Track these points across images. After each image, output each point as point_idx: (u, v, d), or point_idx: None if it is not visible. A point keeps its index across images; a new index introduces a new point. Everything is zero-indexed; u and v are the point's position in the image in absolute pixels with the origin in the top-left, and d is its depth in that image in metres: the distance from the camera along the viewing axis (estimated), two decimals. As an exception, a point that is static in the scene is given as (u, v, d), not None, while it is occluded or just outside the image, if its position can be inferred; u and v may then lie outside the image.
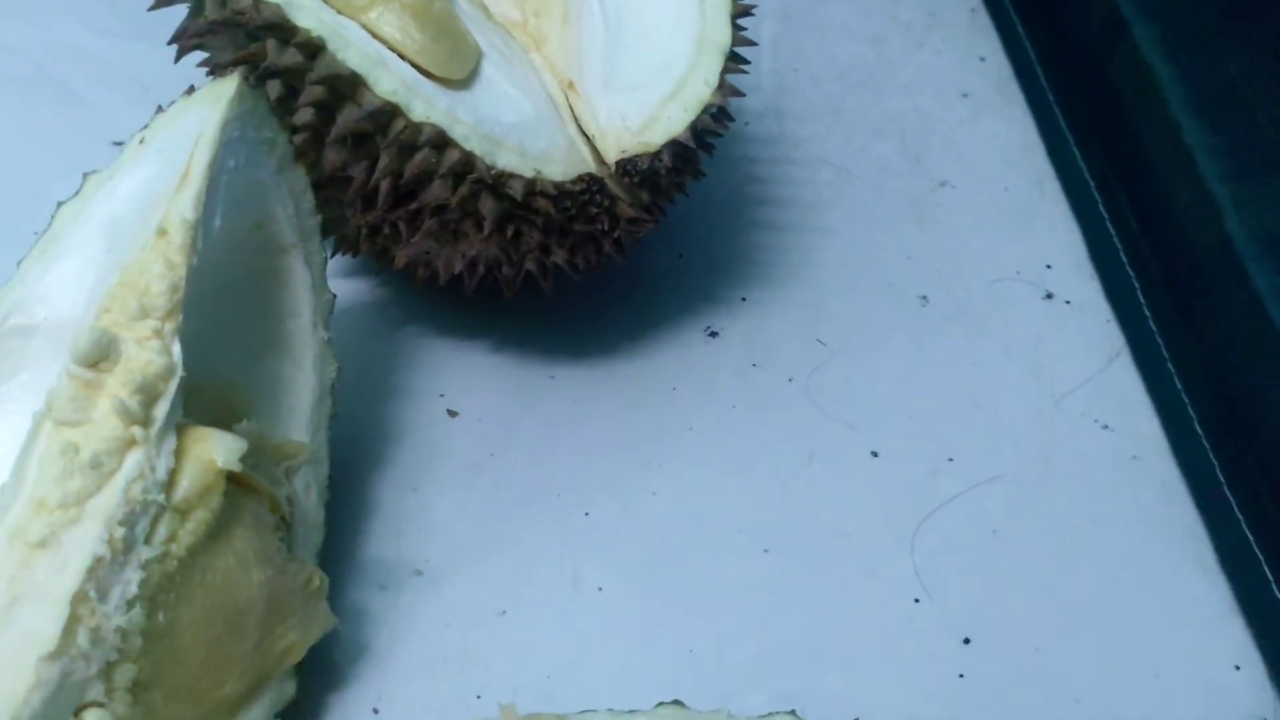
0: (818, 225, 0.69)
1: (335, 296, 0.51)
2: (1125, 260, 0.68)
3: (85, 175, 0.46)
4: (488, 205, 0.49)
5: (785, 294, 0.65)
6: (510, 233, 0.50)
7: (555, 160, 0.50)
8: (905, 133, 0.75)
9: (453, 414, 0.58)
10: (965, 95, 0.78)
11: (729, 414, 0.60)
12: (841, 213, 0.70)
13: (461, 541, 0.53)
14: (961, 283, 0.67)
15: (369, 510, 0.54)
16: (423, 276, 0.55)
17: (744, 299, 0.65)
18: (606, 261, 0.56)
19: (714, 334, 0.63)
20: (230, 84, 0.43)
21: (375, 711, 0.48)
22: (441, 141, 0.47)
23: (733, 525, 0.55)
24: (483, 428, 0.57)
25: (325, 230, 0.53)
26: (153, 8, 0.53)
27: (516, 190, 0.48)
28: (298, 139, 0.48)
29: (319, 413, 0.49)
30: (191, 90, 0.45)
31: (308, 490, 0.47)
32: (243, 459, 0.41)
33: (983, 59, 0.81)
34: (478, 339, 0.61)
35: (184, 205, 0.41)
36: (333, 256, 0.57)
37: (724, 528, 0.55)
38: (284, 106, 0.48)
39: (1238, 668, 0.53)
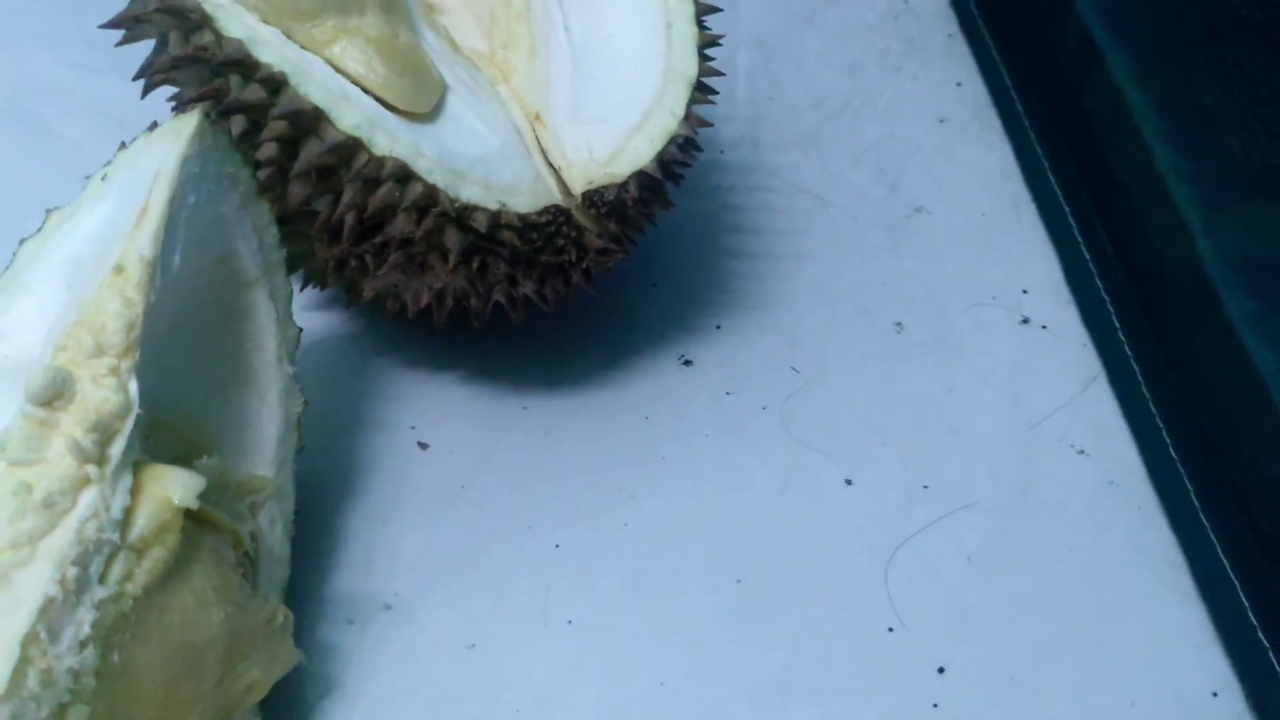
0: (793, 253, 0.69)
1: (301, 331, 0.50)
2: (1101, 285, 0.68)
3: (48, 211, 0.46)
4: (452, 238, 0.48)
5: (760, 321, 0.65)
6: (476, 265, 0.50)
7: (521, 192, 0.50)
8: (881, 159, 0.75)
9: (424, 446, 0.57)
10: (942, 121, 0.78)
11: (703, 442, 0.60)
12: (817, 240, 0.70)
13: (431, 575, 0.53)
14: (937, 309, 0.67)
15: (338, 544, 0.53)
16: (392, 309, 0.54)
17: (718, 327, 0.65)
18: (577, 292, 0.56)
19: (688, 362, 0.63)
20: (191, 120, 0.43)
21: (342, 749, 0.47)
22: (404, 175, 0.47)
23: (705, 555, 0.55)
24: (454, 460, 0.57)
25: (294, 263, 0.53)
26: (120, 43, 0.53)
27: (481, 222, 0.48)
28: (262, 174, 0.48)
29: (284, 448, 0.48)
30: (154, 126, 0.45)
31: (273, 525, 0.47)
32: (204, 495, 0.41)
33: (959, 85, 0.81)
34: (449, 370, 0.61)
35: (142, 242, 0.40)
36: (303, 289, 0.57)
37: (696, 558, 0.55)
38: (248, 141, 0.48)
39: (1215, 694, 0.52)
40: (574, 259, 0.52)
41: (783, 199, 0.72)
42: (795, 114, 0.77)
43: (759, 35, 0.82)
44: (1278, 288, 0.58)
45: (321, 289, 0.57)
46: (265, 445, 0.47)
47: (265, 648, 0.43)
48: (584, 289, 0.56)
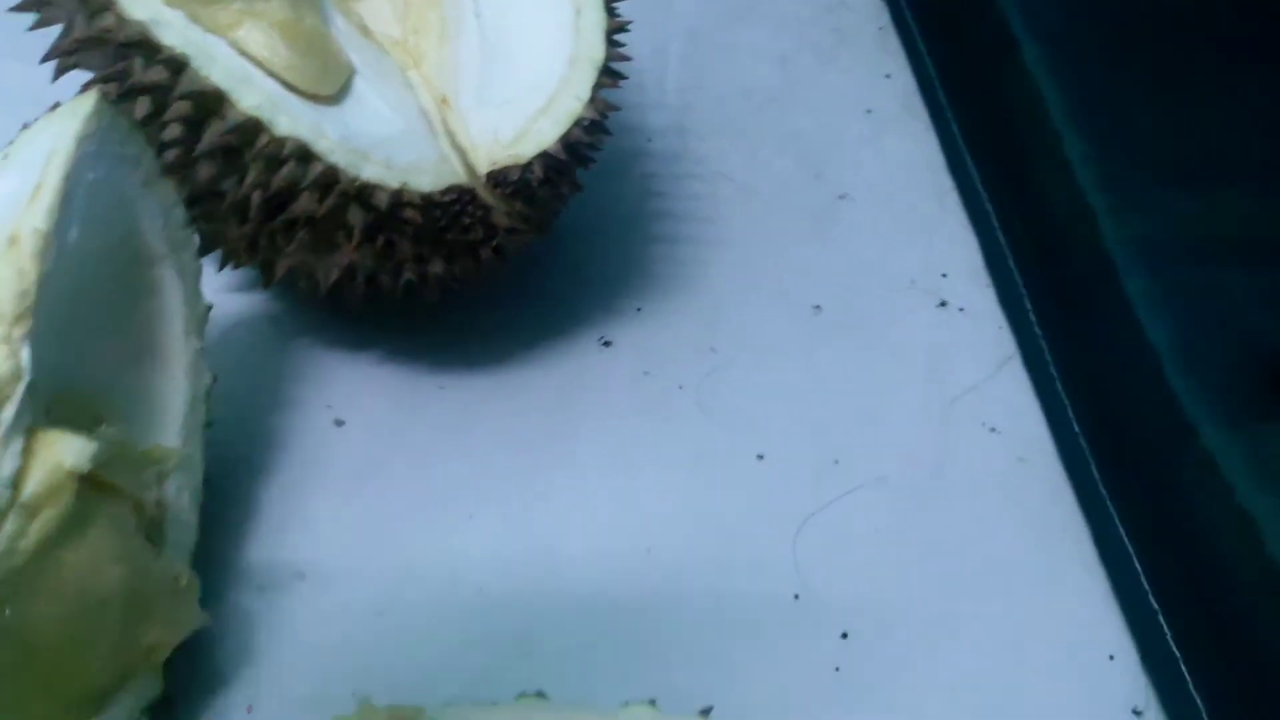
0: (715, 238, 0.70)
1: (211, 306, 0.52)
2: (1015, 269, 0.70)
3: (-49, 194, 0.47)
4: (355, 215, 0.50)
5: (680, 304, 0.67)
6: (381, 242, 0.51)
7: (424, 172, 0.51)
8: (808, 149, 0.77)
9: (340, 424, 0.59)
10: (869, 112, 0.80)
11: (619, 421, 0.61)
12: (740, 226, 0.71)
13: (344, 546, 0.54)
14: (856, 293, 0.68)
15: (251, 516, 0.55)
16: (305, 288, 0.56)
17: (639, 309, 0.66)
18: (489, 272, 0.57)
19: (607, 343, 0.64)
20: (88, 100, 0.44)
21: (249, 710, 0.49)
22: (305, 155, 0.48)
23: (616, 527, 0.56)
24: (369, 437, 0.58)
25: (210, 243, 0.55)
26: (33, 26, 0.54)
27: (382, 201, 0.50)
28: (169, 155, 0.49)
29: (192, 420, 0.50)
30: (55, 107, 0.46)
31: (180, 494, 0.48)
32: (105, 464, 0.42)
33: (888, 76, 0.82)
34: (367, 350, 0.62)
35: (36, 215, 0.42)
36: (221, 269, 0.58)
37: (607, 529, 0.56)
38: (154, 122, 0.49)
39: (1112, 657, 0.54)
40: (481, 238, 0.53)
41: (708, 186, 0.73)
42: (724, 104, 0.79)
43: (692, 26, 0.84)
44: (1174, 267, 0.59)
45: (237, 268, 0.59)
46: (172, 417, 0.49)
47: (168, 609, 0.44)
48: (498, 269, 0.57)
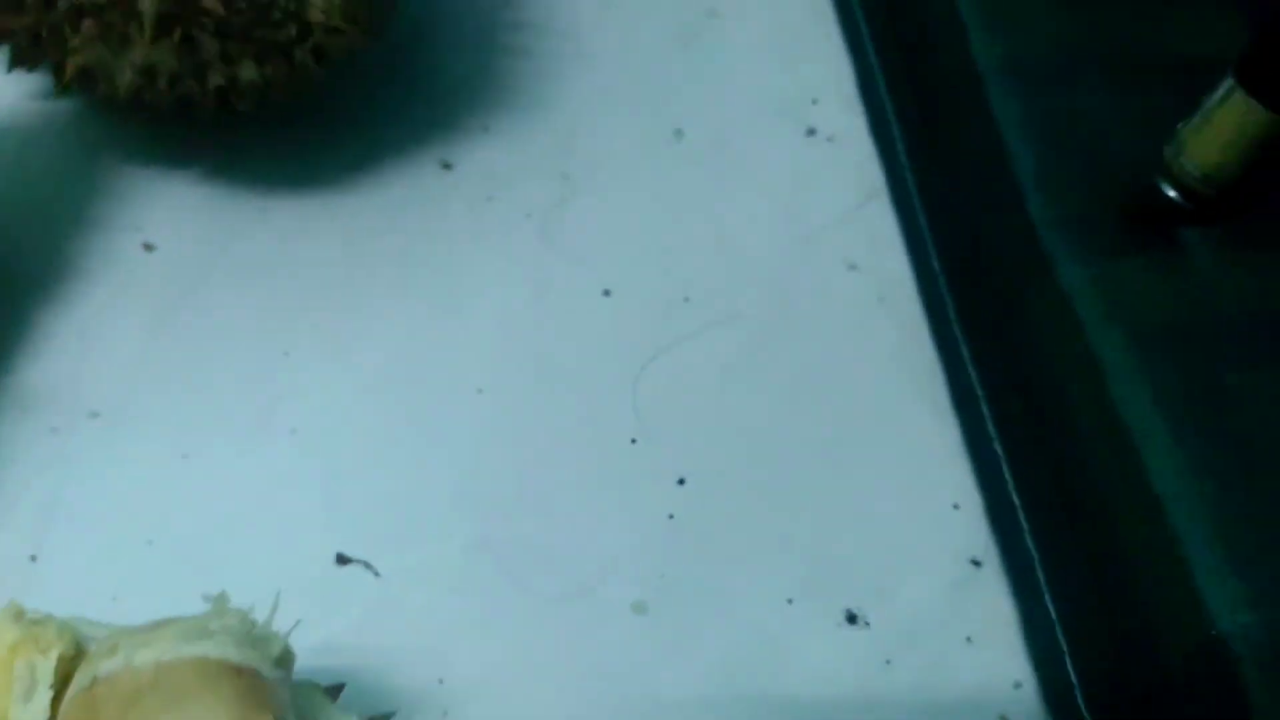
0: (574, 52, 0.65)
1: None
2: (886, 94, 0.66)
3: None
4: (145, 1, 0.44)
5: (531, 124, 0.62)
6: (179, 37, 0.46)
7: (224, -43, 0.45)
8: (680, -40, 0.71)
9: (149, 248, 0.54)
10: (745, -77, 0.74)
11: (456, 250, 0.57)
12: (599, 40, 0.66)
13: (147, 383, 0.50)
14: (721, 117, 0.64)
15: (41, 348, 0.50)
16: (104, 92, 0.50)
17: (486, 128, 0.61)
18: (314, 82, 0.52)
19: (448, 165, 0.59)
20: None
21: (33, 559, 0.45)
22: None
23: (446, 364, 0.53)
24: (181, 263, 0.53)
25: (-7, 41, 0.49)
26: None
27: (172, -16, 0.44)
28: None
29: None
30: None
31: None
32: None
33: (769, -115, 0.77)
34: (182, 169, 0.56)
35: None
36: (10, 70, 0.52)
37: (436, 368, 0.53)
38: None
39: (956, 506, 0.52)
40: (295, 37, 0.48)
41: (570, -4, 0.68)
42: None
43: None
44: (1042, 88, 0.56)
45: (31, 70, 0.52)
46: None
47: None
48: (323, 78, 0.52)
